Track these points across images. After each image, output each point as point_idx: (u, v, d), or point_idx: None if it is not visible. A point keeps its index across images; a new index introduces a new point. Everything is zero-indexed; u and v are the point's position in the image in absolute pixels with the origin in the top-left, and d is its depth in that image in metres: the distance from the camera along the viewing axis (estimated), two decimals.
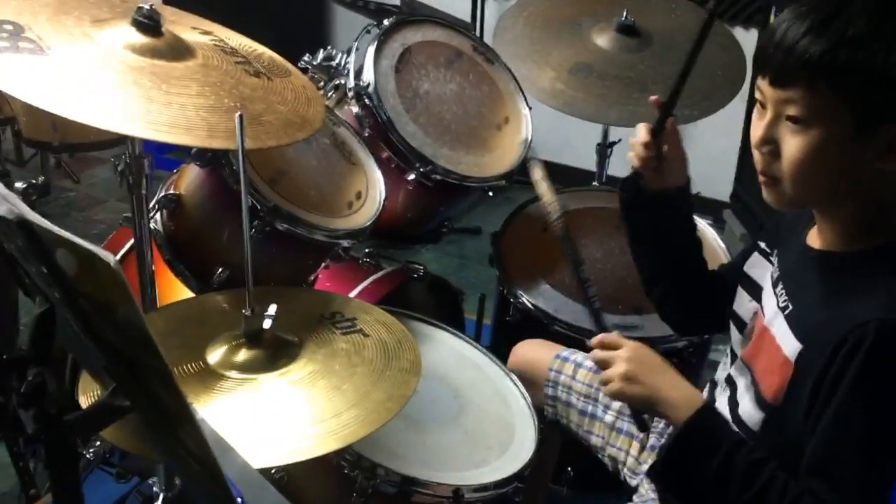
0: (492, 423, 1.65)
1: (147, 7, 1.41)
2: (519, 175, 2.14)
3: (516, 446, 1.61)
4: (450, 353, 1.82)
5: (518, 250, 2.17)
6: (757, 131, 1.18)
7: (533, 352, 1.82)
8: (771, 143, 1.17)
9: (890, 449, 1.13)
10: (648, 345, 1.32)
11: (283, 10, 4.35)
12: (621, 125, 2.36)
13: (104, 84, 1.30)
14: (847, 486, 1.13)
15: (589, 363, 1.71)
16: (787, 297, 1.27)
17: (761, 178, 1.21)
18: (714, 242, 2.20)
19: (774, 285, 1.30)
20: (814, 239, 1.26)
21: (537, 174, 1.63)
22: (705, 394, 1.44)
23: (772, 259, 1.36)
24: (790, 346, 1.20)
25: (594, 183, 2.61)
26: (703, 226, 2.23)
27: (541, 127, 2.28)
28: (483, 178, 2.05)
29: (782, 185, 1.18)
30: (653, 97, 1.47)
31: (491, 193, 2.10)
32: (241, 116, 1.20)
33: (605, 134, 2.60)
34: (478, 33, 3.92)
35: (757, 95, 1.19)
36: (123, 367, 0.91)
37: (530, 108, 2.20)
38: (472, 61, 2.18)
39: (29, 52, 1.27)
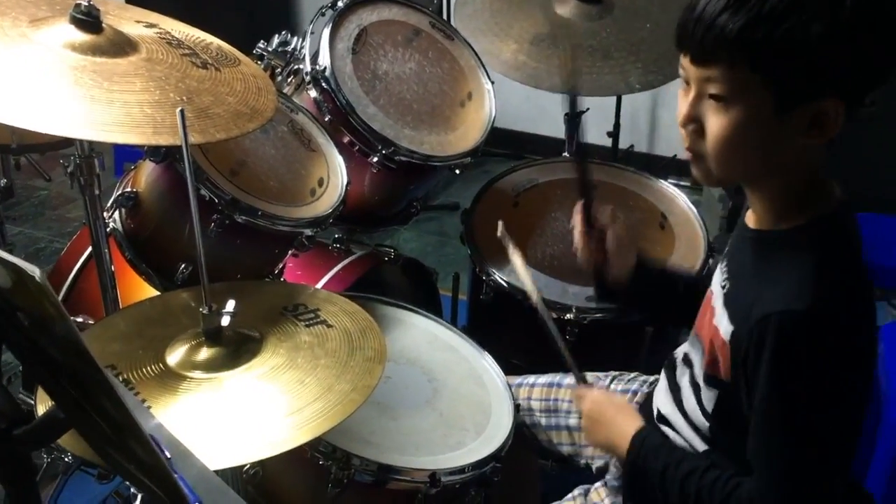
0: (467, 405, 1.64)
1: (85, 3, 1.38)
2: (491, 147, 2.12)
3: (493, 426, 1.60)
4: (422, 335, 1.80)
5: (489, 227, 2.13)
6: (682, 109, 1.16)
7: None
8: (695, 121, 1.15)
9: (817, 440, 1.13)
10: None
11: None
12: (586, 95, 2.34)
13: (43, 86, 1.27)
14: (773, 479, 1.14)
15: (541, 380, 1.74)
16: (727, 276, 1.26)
17: (688, 156, 1.19)
18: (686, 208, 2.18)
19: (722, 261, 1.30)
20: (749, 217, 1.26)
21: (515, 260, 1.69)
22: (662, 378, 1.46)
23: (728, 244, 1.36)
24: (724, 326, 1.21)
25: (564, 153, 2.58)
26: (676, 193, 2.22)
27: (512, 97, 2.25)
28: (447, 156, 2.03)
29: (707, 163, 1.16)
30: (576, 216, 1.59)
31: (458, 171, 2.07)
32: (182, 112, 1.17)
33: (573, 103, 2.57)
34: (445, 9, 3.87)
35: (681, 73, 1.16)
36: (66, 380, 0.89)
37: (493, 83, 2.17)
38: (430, 38, 2.14)
39: None
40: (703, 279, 1.53)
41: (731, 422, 1.22)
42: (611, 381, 1.67)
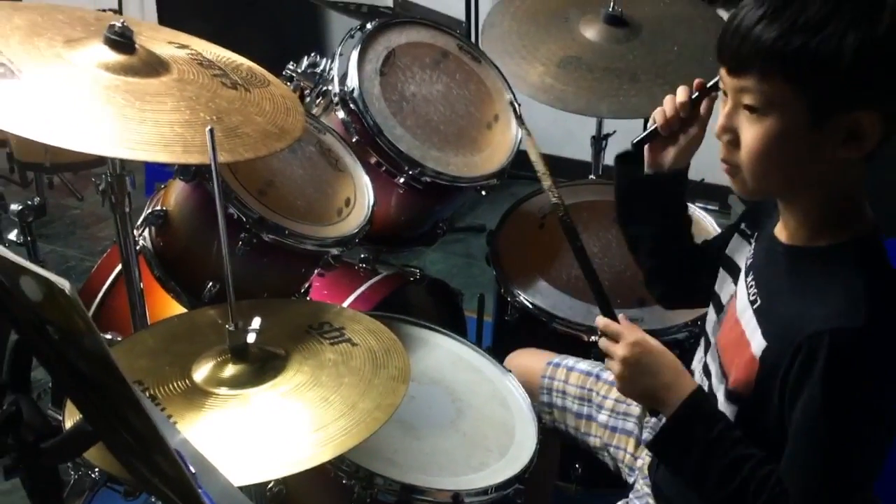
0: (491, 426, 1.64)
1: (119, 24, 1.40)
2: (516, 169, 2.12)
3: (516, 448, 1.60)
4: (446, 356, 1.80)
5: (515, 248, 2.15)
6: (719, 120, 1.17)
7: (525, 361, 1.81)
8: (730, 131, 1.15)
9: (858, 455, 1.12)
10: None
11: (277, 19, 4.36)
12: (613, 117, 2.35)
13: (77, 105, 1.29)
14: (811, 493, 1.13)
15: (581, 366, 1.71)
16: (755, 290, 1.25)
17: (724, 167, 1.19)
18: (712, 231, 2.17)
19: (746, 273, 1.29)
20: (780, 231, 1.24)
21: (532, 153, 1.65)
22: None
23: (751, 241, 1.34)
24: (757, 342, 1.19)
25: (591, 176, 2.59)
26: (702, 216, 2.21)
27: (539, 119, 2.26)
28: (473, 177, 2.03)
29: (742, 175, 1.16)
30: (697, 80, 1.42)
31: (484, 193, 2.07)
32: (211, 131, 1.18)
33: (599, 126, 2.58)
34: (473, 31, 3.90)
35: (721, 85, 1.17)
36: (94, 393, 0.90)
37: (519, 105, 2.18)
38: (458, 61, 2.16)
39: (0, 77, 1.26)
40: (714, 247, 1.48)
41: (751, 436, 1.20)
42: None
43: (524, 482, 1.52)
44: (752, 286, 1.26)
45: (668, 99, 1.44)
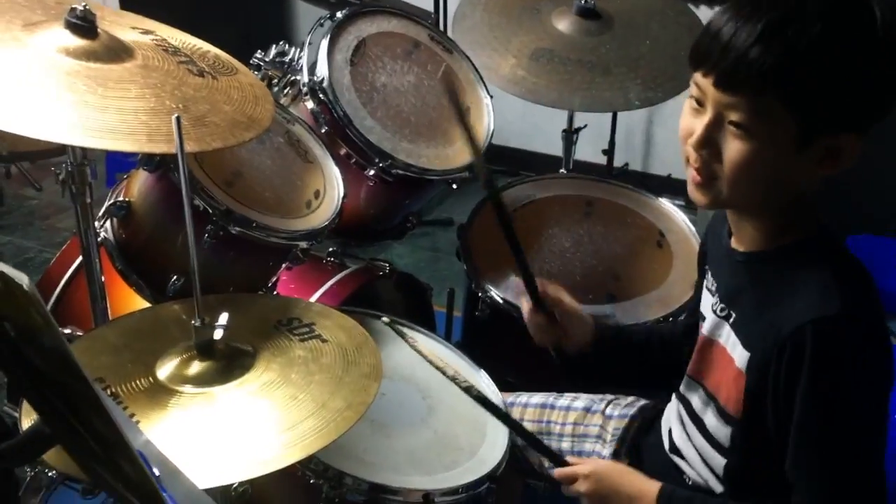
0: (462, 424, 1.61)
1: (80, 8, 1.35)
2: (487, 163, 2.09)
3: (488, 446, 1.57)
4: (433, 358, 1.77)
5: (486, 242, 2.12)
6: (693, 129, 1.14)
7: None
8: (711, 145, 1.13)
9: (866, 447, 1.12)
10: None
11: (242, 7, 4.29)
12: (585, 110, 2.33)
13: (35, 90, 1.24)
14: (825, 488, 1.13)
15: (535, 399, 1.70)
16: (724, 306, 1.25)
17: (695, 177, 1.17)
18: (685, 227, 2.16)
19: (712, 294, 1.29)
20: (736, 243, 1.25)
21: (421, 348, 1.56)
22: (672, 407, 1.43)
23: (707, 277, 1.34)
24: (739, 354, 1.19)
25: (561, 170, 2.57)
26: (674, 210, 2.20)
27: (508, 113, 2.24)
28: (445, 170, 2.00)
29: (719, 185, 1.14)
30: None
31: (455, 186, 2.05)
32: (178, 119, 1.14)
33: (571, 119, 2.56)
34: (441, 22, 3.86)
35: (693, 91, 1.14)
36: (53, 393, 0.86)
37: (491, 97, 2.15)
38: (429, 51, 2.13)
39: None
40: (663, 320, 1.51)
41: (751, 454, 1.20)
42: (606, 405, 1.64)
43: (495, 481, 1.49)
44: (718, 305, 1.27)
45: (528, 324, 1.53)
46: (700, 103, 1.13)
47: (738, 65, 1.05)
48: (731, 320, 1.23)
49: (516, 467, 1.64)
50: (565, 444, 1.63)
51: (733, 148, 1.10)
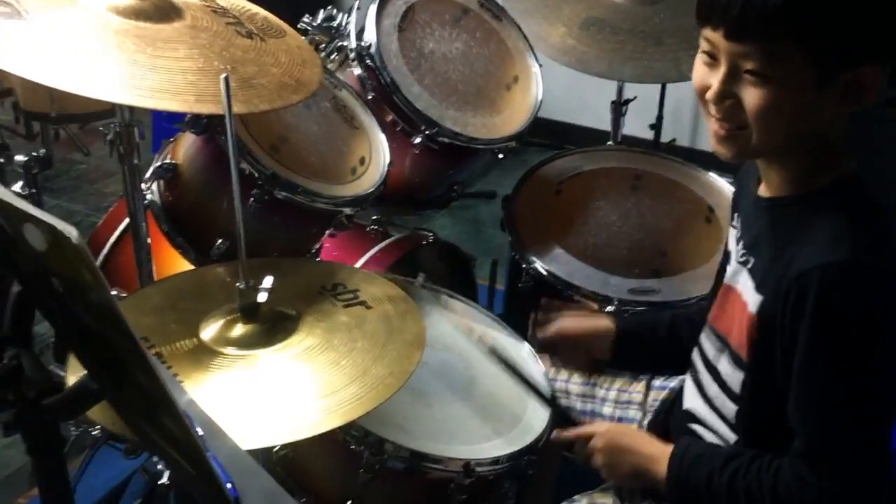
0: (503, 394, 1.59)
1: None
2: (531, 136, 2.08)
3: (529, 417, 1.55)
4: (460, 322, 1.76)
5: (531, 214, 2.10)
6: (710, 84, 1.13)
7: None
8: (730, 96, 1.11)
9: (868, 399, 1.10)
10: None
11: None
12: (636, 81, 2.29)
13: (85, 48, 1.24)
14: (832, 462, 1.11)
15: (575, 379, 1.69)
16: (745, 251, 1.25)
17: (720, 129, 1.15)
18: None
19: (736, 242, 1.28)
20: (763, 190, 1.24)
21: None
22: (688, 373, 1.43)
23: (734, 224, 1.33)
24: (752, 299, 1.18)
25: (609, 143, 2.53)
26: (723, 185, 2.15)
27: (554, 87, 2.20)
28: (492, 139, 1.98)
29: (744, 135, 1.13)
30: None
31: (501, 156, 2.02)
32: (226, 78, 1.13)
33: (620, 91, 2.52)
34: None
35: (704, 46, 1.13)
36: (100, 350, 0.86)
37: (541, 66, 2.12)
38: (478, 18, 2.10)
39: (5, 17, 1.21)
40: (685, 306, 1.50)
41: (761, 400, 1.20)
42: (652, 376, 1.62)
43: (536, 452, 1.48)
44: (741, 251, 1.26)
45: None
46: (713, 56, 1.12)
47: (747, 12, 1.04)
48: (749, 265, 1.22)
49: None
50: (607, 409, 1.61)
51: (753, 95, 1.09)
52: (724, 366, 1.27)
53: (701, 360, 1.36)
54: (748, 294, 1.20)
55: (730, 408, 1.27)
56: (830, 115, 1.12)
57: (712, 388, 1.31)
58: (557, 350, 1.59)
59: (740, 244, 1.28)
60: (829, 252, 1.08)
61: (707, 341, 1.34)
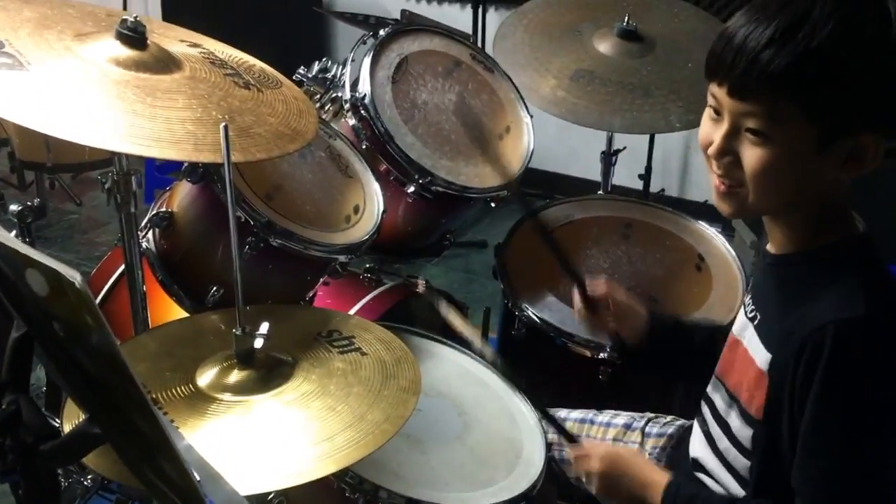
0: (498, 441, 1.60)
1: (131, 19, 1.37)
2: (522, 186, 2.10)
3: (524, 464, 1.55)
4: (454, 369, 1.77)
5: (523, 262, 2.11)
6: (713, 139, 1.14)
7: None
8: (730, 153, 1.13)
9: (877, 462, 1.09)
10: None
11: (283, 26, 4.34)
12: (625, 132, 2.32)
13: (86, 98, 1.26)
14: (829, 494, 1.11)
15: (574, 415, 1.70)
16: (754, 307, 1.25)
17: (721, 185, 1.17)
18: (724, 250, 2.14)
19: (745, 295, 1.30)
20: (770, 246, 1.24)
21: (449, 314, 1.64)
22: (695, 422, 1.43)
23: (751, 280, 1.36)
24: (761, 356, 1.18)
25: (599, 192, 2.56)
26: (713, 234, 2.18)
27: (544, 138, 2.23)
28: (484, 188, 2.00)
29: (742, 193, 1.14)
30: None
31: (493, 204, 2.04)
32: (225, 127, 1.15)
33: (610, 142, 2.55)
34: (480, 45, 3.88)
35: (710, 101, 1.14)
36: (100, 394, 0.86)
37: (531, 117, 2.15)
38: (471, 70, 2.13)
39: (7, 68, 1.23)
40: (725, 328, 1.50)
41: (772, 457, 1.18)
42: (646, 423, 1.63)
43: (531, 500, 1.48)
44: (749, 304, 1.26)
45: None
46: (717, 112, 1.13)
47: (750, 70, 1.05)
48: (756, 321, 1.23)
49: (551, 484, 1.63)
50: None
51: (753, 155, 1.10)
52: (735, 421, 1.26)
53: (710, 412, 1.35)
54: (755, 351, 1.20)
55: (742, 462, 1.26)
56: (831, 181, 1.12)
57: (723, 442, 1.30)
58: (598, 309, 1.56)
59: (748, 298, 1.28)
60: (844, 308, 1.07)
61: (716, 394, 1.33)
